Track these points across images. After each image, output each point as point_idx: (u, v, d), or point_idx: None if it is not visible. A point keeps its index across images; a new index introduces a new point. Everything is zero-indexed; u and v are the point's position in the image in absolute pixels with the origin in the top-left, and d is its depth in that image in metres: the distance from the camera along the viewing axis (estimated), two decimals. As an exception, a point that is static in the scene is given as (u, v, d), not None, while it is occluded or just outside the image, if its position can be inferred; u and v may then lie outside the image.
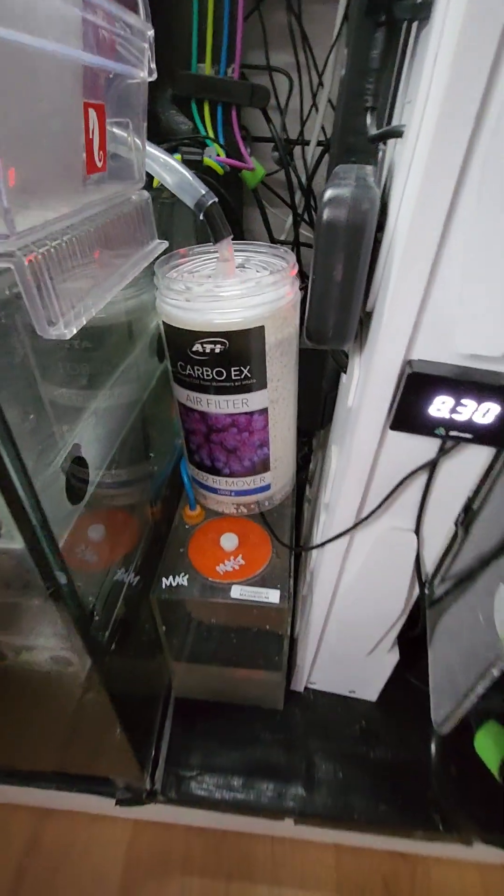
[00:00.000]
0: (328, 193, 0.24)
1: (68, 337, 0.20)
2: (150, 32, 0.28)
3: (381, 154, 0.32)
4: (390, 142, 0.30)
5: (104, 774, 0.46)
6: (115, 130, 0.29)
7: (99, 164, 0.25)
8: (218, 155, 0.52)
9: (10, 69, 0.17)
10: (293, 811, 0.46)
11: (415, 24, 0.25)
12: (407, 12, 0.23)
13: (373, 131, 0.29)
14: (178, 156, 0.49)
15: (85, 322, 0.22)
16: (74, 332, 0.21)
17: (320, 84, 0.56)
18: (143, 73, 0.28)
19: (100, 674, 0.31)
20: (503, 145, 0.19)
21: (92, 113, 0.23)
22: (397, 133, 0.26)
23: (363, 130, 0.31)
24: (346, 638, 0.45)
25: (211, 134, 0.55)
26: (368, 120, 0.29)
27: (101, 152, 0.25)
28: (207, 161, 0.50)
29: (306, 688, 0.55)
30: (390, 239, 0.26)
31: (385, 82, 0.30)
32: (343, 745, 0.50)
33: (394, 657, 0.47)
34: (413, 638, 0.46)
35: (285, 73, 0.57)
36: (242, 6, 0.49)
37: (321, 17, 0.54)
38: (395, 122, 0.29)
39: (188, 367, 0.36)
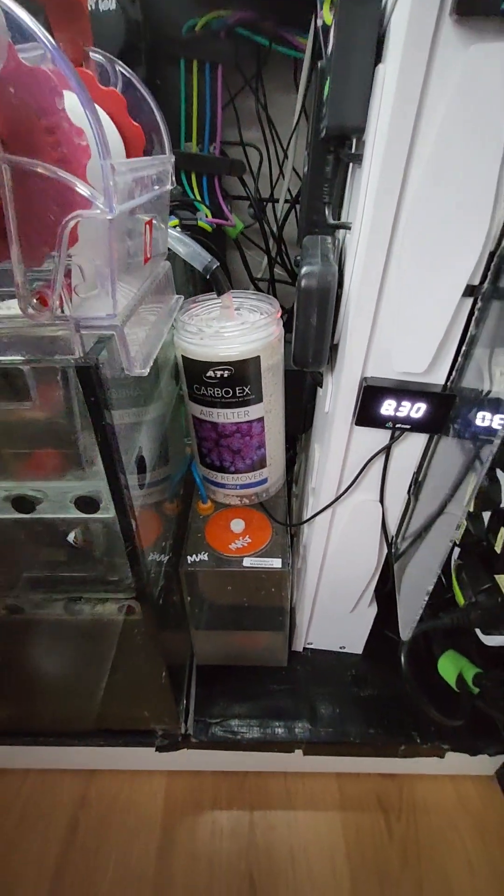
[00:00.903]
0: (304, 270, 0.36)
1: (146, 373, 0.32)
2: (172, 159, 0.40)
3: (337, 234, 0.45)
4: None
5: (146, 727, 0.56)
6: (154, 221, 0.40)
7: (149, 255, 0.36)
8: (207, 216, 0.65)
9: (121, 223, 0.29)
10: (301, 742, 0.57)
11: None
12: (346, 157, 0.36)
13: (330, 220, 0.41)
14: (175, 220, 0.62)
15: (152, 362, 0.33)
16: (148, 370, 0.32)
17: (285, 157, 0.69)
18: (169, 185, 0.40)
19: (153, 618, 0.41)
20: (408, 249, 0.32)
21: (147, 226, 0.35)
22: (347, 227, 0.38)
23: (324, 212, 0.44)
24: (334, 597, 0.57)
25: (198, 197, 0.67)
26: (327, 211, 0.42)
27: (150, 247, 0.36)
28: (200, 223, 0.63)
29: (304, 647, 0.66)
30: (347, 295, 0.38)
31: (338, 184, 0.42)
32: (338, 689, 0.61)
33: (373, 611, 0.59)
34: (386, 594, 0.58)
35: (256, 147, 0.70)
36: (221, 98, 0.63)
37: (283, 103, 0.68)
38: (345, 216, 0.42)
39: (202, 388, 0.48)
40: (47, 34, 0.22)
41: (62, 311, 0.29)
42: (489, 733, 0.56)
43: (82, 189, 0.25)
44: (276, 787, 0.61)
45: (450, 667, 0.52)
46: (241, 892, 0.53)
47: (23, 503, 0.33)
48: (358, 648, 0.65)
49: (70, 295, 0.30)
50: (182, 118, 0.63)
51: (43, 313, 0.28)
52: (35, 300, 0.28)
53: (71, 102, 0.24)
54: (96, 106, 0.30)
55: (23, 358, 0.29)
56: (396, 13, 0.27)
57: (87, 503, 0.33)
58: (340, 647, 0.65)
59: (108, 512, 0.33)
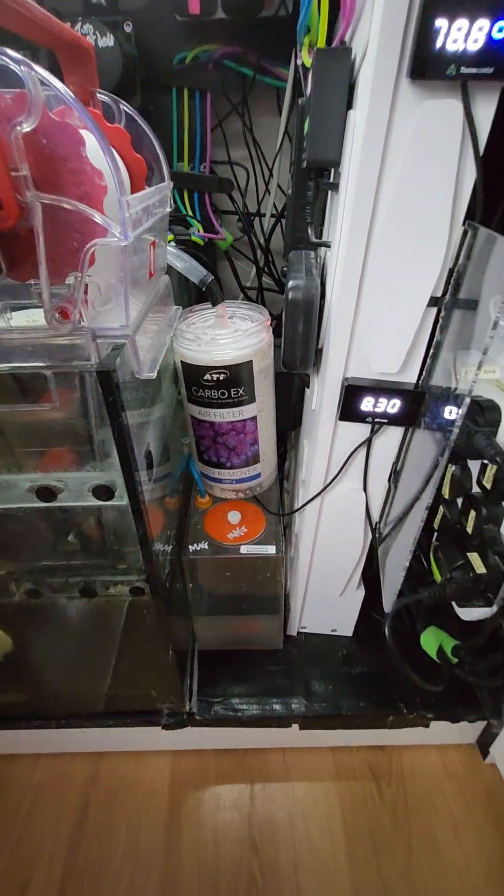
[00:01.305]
0: (290, 284, 0.41)
1: (154, 376, 0.36)
2: (171, 185, 0.44)
3: (319, 249, 0.50)
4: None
5: (152, 707, 0.59)
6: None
7: (153, 271, 0.41)
8: (199, 231, 0.70)
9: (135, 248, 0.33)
10: (298, 716, 0.61)
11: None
12: (325, 186, 0.41)
13: (313, 238, 0.46)
14: (170, 236, 0.66)
15: (158, 366, 0.37)
16: (156, 373, 0.37)
17: (271, 174, 0.74)
18: (168, 208, 0.45)
19: (161, 599, 0.46)
20: (379, 267, 0.37)
21: (151, 246, 0.39)
22: (327, 245, 0.43)
23: (307, 231, 0.49)
24: (325, 581, 0.61)
25: (190, 213, 0.72)
26: (310, 230, 0.47)
27: (153, 264, 0.41)
28: (194, 238, 0.68)
29: (298, 632, 0.70)
30: (329, 305, 0.43)
31: (319, 206, 0.47)
32: (331, 668, 0.66)
33: (361, 594, 0.64)
34: (372, 577, 0.62)
35: (243, 166, 0.75)
36: (210, 121, 0.68)
37: (268, 125, 0.73)
38: (326, 234, 0.46)
39: (200, 390, 0.52)
40: (84, 107, 0.26)
41: (81, 323, 0.33)
42: (468, 702, 0.61)
43: (101, 220, 0.29)
44: (275, 763, 0.65)
45: (431, 640, 0.56)
46: (244, 856, 0.57)
47: (46, 493, 0.37)
48: (348, 631, 0.70)
49: (86, 308, 0.34)
50: (174, 140, 0.68)
51: (65, 325, 0.33)
52: (57, 314, 0.33)
53: (90, 143, 0.29)
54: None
55: (46, 364, 0.34)
56: (363, 70, 0.32)
57: (104, 491, 0.37)
58: (332, 630, 0.70)
59: (121, 500, 0.37)
